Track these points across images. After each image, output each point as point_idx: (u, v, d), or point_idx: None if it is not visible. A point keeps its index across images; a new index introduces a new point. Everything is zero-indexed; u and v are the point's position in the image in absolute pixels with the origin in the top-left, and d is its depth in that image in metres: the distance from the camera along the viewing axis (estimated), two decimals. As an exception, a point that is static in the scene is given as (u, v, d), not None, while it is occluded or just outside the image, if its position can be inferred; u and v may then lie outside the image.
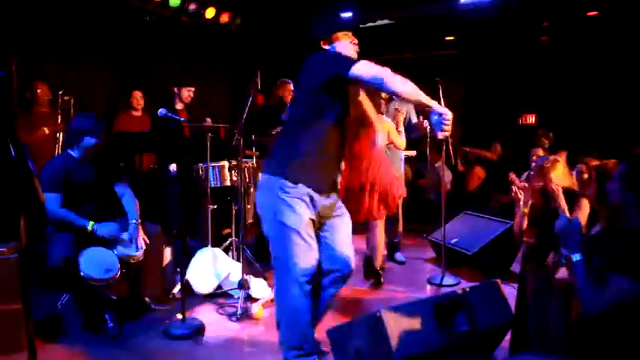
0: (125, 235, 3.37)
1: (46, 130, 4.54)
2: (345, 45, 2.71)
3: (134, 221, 3.43)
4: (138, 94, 5.34)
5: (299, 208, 2.54)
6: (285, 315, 2.64)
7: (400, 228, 4.97)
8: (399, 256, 5.02)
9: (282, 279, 2.61)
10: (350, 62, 2.43)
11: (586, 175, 3.30)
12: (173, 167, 4.36)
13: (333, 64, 2.49)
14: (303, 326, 2.61)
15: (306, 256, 2.55)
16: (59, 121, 4.71)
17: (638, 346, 1.78)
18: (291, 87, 4.89)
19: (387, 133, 4.14)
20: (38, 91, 4.62)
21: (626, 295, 1.75)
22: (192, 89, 4.64)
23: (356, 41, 2.77)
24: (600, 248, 1.96)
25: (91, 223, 3.27)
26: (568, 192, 2.97)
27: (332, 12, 2.88)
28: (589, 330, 1.92)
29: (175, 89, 4.61)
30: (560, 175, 3.00)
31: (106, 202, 3.45)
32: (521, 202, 3.21)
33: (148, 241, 3.45)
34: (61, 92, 4.85)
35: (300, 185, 2.55)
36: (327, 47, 2.73)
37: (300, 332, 2.62)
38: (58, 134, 4.65)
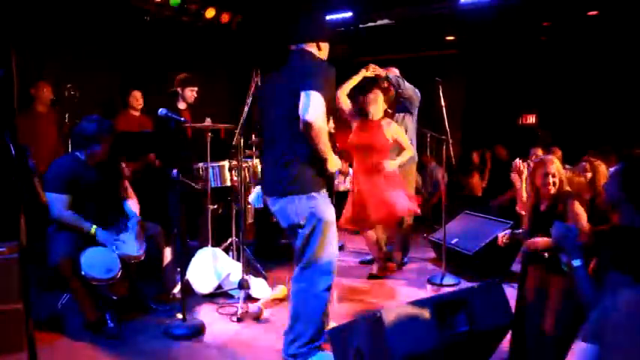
0: (125, 236, 3.37)
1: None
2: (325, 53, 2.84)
3: (135, 220, 3.44)
4: (137, 94, 5.32)
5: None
6: (315, 311, 2.77)
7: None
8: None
9: (315, 276, 2.76)
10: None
11: (590, 174, 3.28)
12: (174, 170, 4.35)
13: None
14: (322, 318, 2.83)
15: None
16: (66, 120, 4.71)
17: None
18: None
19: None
20: (43, 90, 4.63)
21: None
22: (196, 89, 4.61)
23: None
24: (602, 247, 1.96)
25: (94, 227, 3.27)
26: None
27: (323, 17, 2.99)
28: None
29: (179, 89, 4.58)
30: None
31: (106, 203, 3.45)
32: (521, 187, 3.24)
33: (147, 229, 3.47)
34: (69, 86, 4.84)
35: None
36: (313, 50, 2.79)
37: (320, 325, 2.80)
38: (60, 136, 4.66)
